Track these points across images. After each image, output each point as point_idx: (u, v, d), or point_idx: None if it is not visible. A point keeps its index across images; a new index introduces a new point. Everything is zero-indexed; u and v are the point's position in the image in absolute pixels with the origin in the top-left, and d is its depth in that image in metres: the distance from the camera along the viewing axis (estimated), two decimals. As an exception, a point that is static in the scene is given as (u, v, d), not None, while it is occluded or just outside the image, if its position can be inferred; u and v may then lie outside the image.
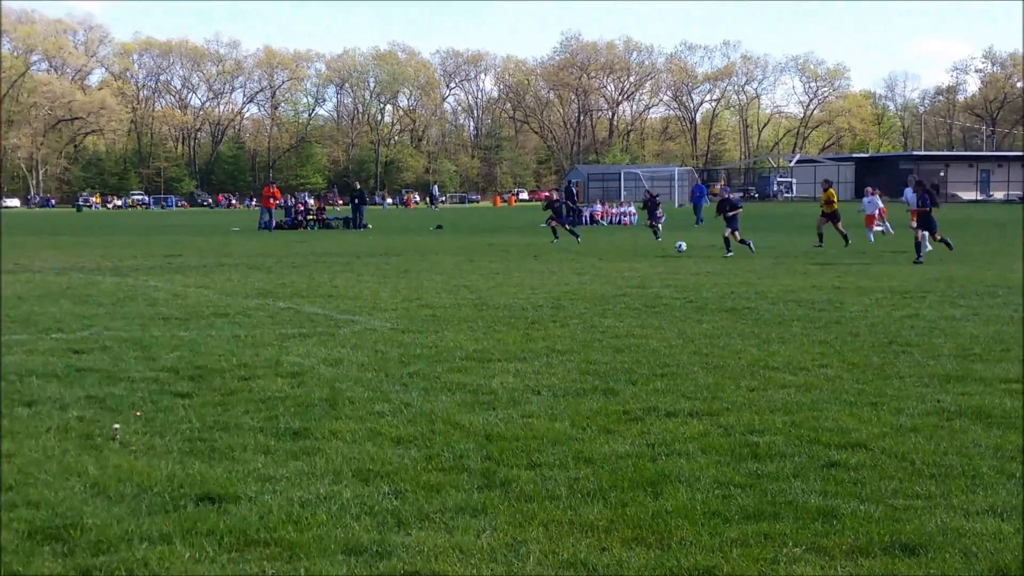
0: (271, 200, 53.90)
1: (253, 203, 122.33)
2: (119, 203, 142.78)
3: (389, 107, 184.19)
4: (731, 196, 32.14)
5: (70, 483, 6.33)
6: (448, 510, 5.87)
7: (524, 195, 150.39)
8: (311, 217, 58.16)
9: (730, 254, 27.86)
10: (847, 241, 32.12)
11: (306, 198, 78.14)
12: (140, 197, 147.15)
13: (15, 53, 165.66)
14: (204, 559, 5.12)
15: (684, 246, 30.04)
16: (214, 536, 5.42)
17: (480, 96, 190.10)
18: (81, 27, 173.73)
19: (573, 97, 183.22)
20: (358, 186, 60.58)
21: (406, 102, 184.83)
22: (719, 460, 6.94)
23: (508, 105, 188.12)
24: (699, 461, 6.91)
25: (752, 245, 28.85)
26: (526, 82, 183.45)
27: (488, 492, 6.21)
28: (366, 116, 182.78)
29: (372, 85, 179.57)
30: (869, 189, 39.80)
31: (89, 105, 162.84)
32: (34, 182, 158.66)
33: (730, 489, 6.28)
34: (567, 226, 38.13)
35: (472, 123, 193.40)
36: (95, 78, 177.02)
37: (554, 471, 6.66)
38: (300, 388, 9.40)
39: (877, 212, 37.32)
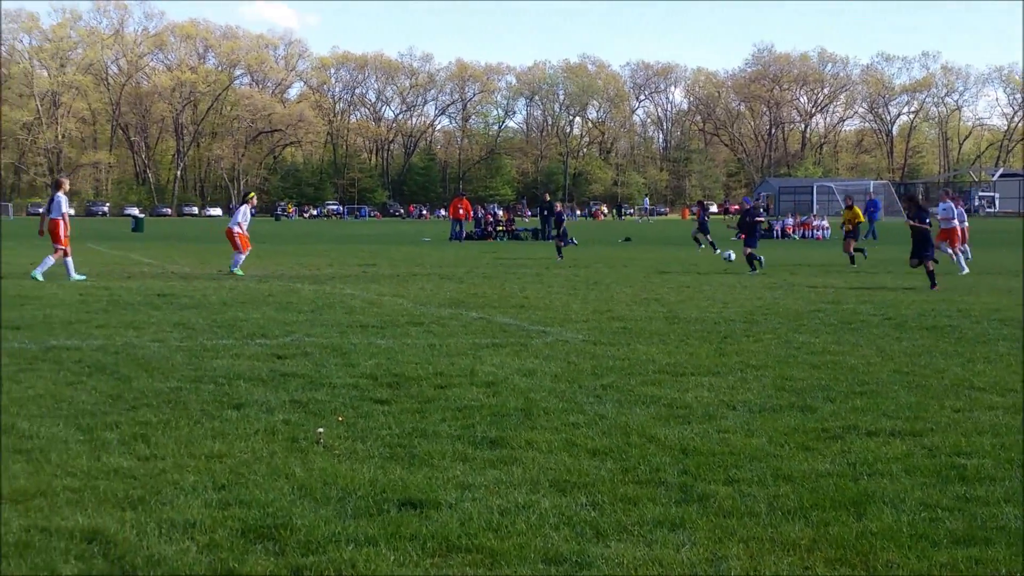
0: (460, 211, 54.68)
1: (443, 214, 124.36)
2: (315, 212, 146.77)
3: (578, 119, 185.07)
4: (752, 207, 30.68)
5: (279, 484, 6.54)
6: (646, 523, 5.86)
7: (714, 208, 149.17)
8: (500, 228, 58.82)
9: (754, 272, 26.99)
10: (852, 260, 30.81)
11: (495, 209, 79.01)
12: (335, 207, 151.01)
13: (219, 68, 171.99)
14: (408, 563, 5.22)
15: (732, 256, 29.15)
16: (417, 541, 5.53)
17: (670, 108, 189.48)
18: (281, 42, 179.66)
19: (765, 109, 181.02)
20: (547, 198, 60.96)
21: (595, 114, 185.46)
22: (924, 482, 6.75)
23: (698, 117, 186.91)
24: (903, 482, 6.73)
25: (762, 262, 27.78)
26: (716, 94, 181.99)
27: (686, 506, 6.18)
28: (555, 128, 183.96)
29: (562, 97, 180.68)
30: (946, 193, 34.13)
31: (288, 117, 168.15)
32: (235, 192, 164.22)
33: (937, 512, 6.10)
34: (560, 242, 35.62)
35: (661, 135, 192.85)
36: (294, 91, 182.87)
37: (752, 487, 6.59)
38: (495, 397, 9.51)
39: (961, 229, 29.86)
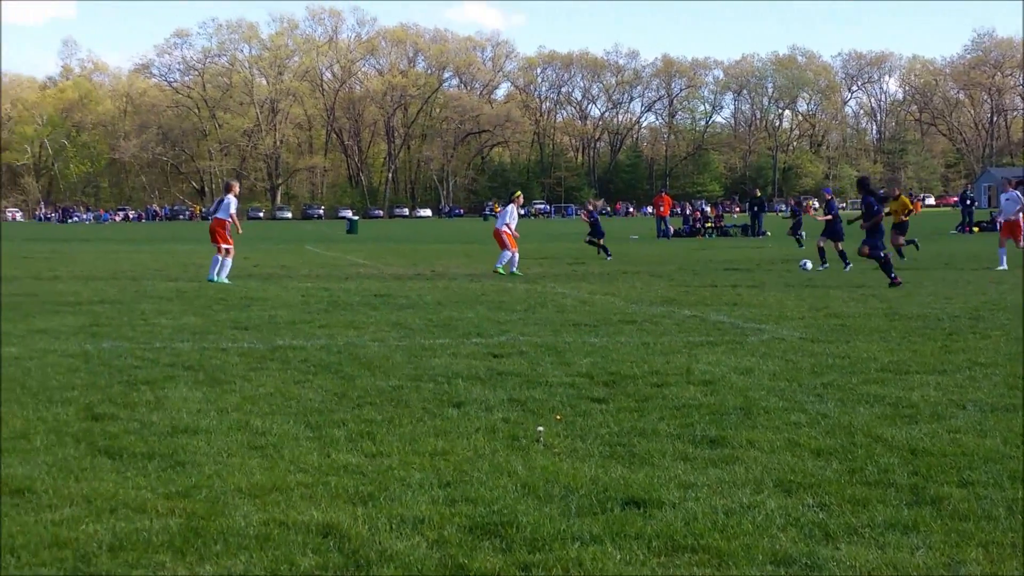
0: (660, 208, 54.34)
1: (649, 211, 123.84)
2: (522, 212, 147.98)
3: (788, 112, 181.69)
4: (831, 200, 29.49)
5: (502, 482, 6.62)
6: (877, 525, 5.71)
7: (931, 200, 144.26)
8: (709, 224, 58.25)
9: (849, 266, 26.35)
10: (901, 255, 29.05)
11: (703, 206, 78.29)
12: (542, 206, 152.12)
13: (429, 71, 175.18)
14: (634, 561, 5.22)
15: (809, 265, 27.46)
16: (642, 539, 5.51)
17: (883, 98, 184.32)
18: (489, 43, 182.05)
19: (985, 97, 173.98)
20: (758, 193, 60.09)
21: (805, 107, 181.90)
22: None
23: (914, 107, 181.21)
24: None
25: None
26: (933, 82, 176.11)
27: (918, 509, 5.99)
28: (764, 122, 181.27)
29: (770, 90, 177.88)
30: (1009, 182, 29.89)
31: (496, 118, 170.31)
32: (444, 192, 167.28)
33: None
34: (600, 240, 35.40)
35: (874, 126, 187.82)
36: (501, 92, 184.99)
37: (989, 490, 6.34)
38: (713, 396, 9.41)
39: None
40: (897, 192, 32.62)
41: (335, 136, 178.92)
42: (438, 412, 8.80)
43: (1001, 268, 25.78)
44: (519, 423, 8.35)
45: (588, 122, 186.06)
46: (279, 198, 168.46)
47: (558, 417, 8.56)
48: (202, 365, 11.28)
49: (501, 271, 25.93)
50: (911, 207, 32.12)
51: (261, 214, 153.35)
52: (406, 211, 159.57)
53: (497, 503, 6.14)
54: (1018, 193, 27.84)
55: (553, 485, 6.53)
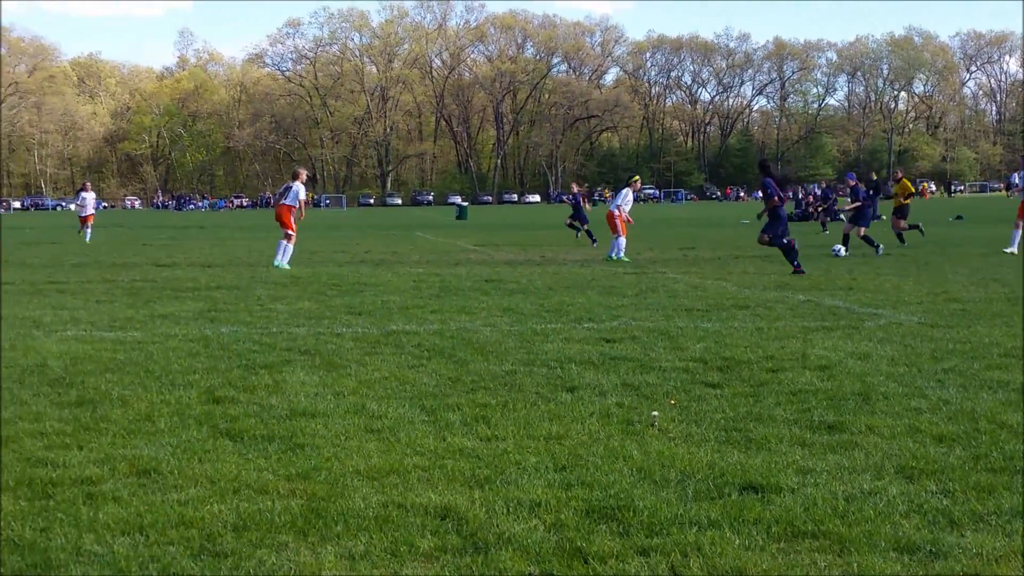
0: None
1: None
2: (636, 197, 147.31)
3: (903, 94, 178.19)
4: (855, 186, 29.06)
5: (617, 466, 6.61)
6: (1004, 513, 5.58)
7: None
8: (821, 208, 57.38)
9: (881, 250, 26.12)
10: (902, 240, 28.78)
11: (816, 190, 77.15)
12: (651, 191, 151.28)
13: (537, 56, 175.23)
14: (754, 547, 5.17)
15: (842, 251, 26.93)
16: (761, 525, 5.46)
17: (1004, 79, 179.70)
18: (598, 28, 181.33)
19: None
20: (874, 176, 59.00)
21: (922, 88, 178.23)
22: None
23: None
24: None
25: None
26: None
27: (1047, 497, 5.85)
28: (878, 104, 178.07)
29: (886, 72, 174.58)
30: None
31: (604, 103, 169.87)
32: (553, 178, 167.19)
33: None
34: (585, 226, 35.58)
35: (994, 107, 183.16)
36: (610, 76, 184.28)
37: (1119, 479, 6.17)
38: (830, 381, 9.28)
39: None
40: (899, 175, 32.26)
41: (444, 123, 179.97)
42: (552, 396, 8.81)
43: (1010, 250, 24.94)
44: (633, 408, 8.32)
45: (698, 106, 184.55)
46: (389, 185, 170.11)
47: (672, 402, 8.52)
48: (318, 350, 11.44)
49: (613, 258, 25.86)
50: (912, 190, 31.47)
51: (372, 201, 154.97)
52: (515, 197, 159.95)
53: (613, 487, 6.13)
54: None
55: (669, 470, 6.50)
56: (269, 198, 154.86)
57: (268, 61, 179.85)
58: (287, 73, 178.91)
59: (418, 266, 24.53)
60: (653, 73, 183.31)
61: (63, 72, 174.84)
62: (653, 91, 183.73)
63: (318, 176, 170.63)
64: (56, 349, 11.48)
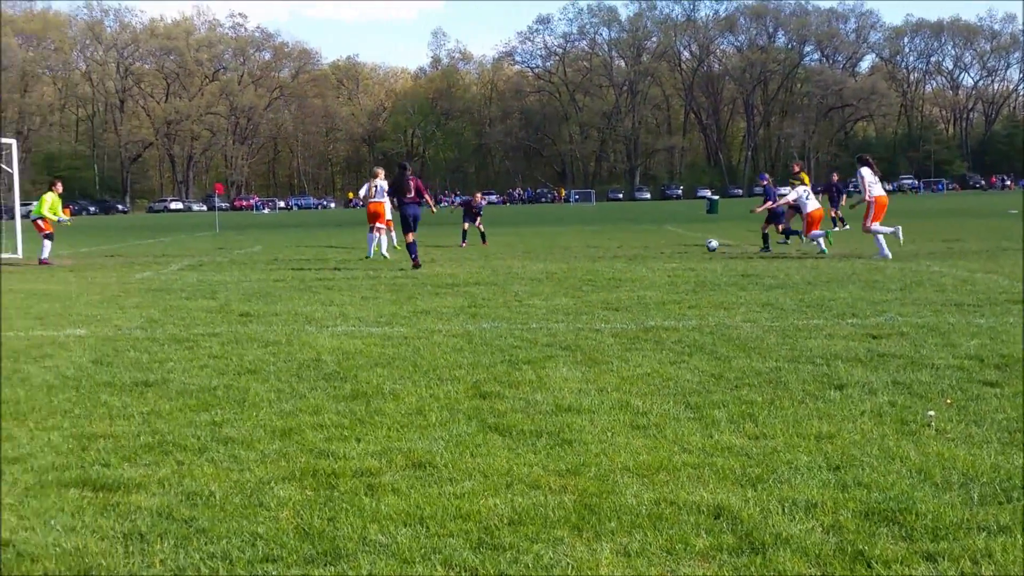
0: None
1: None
2: (889, 188, 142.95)
3: None
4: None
5: (894, 467, 6.41)
6: None
7: None
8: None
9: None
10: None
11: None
12: (909, 181, 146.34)
13: (789, 45, 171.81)
14: (1048, 556, 4.93)
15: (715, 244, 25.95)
16: (1054, 533, 5.20)
17: None
18: (852, 15, 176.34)
19: None
20: None
21: None
22: None
23: None
24: None
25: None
26: None
27: None
28: None
29: None
30: None
31: (859, 91, 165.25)
32: (805, 170, 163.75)
33: None
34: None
35: None
36: (865, 64, 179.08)
37: None
38: (1120, 381, 8.76)
39: None
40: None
41: (693, 115, 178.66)
42: (819, 394, 8.61)
43: None
44: (906, 407, 8.06)
45: (960, 92, 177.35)
46: (637, 179, 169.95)
47: (948, 401, 8.20)
48: (578, 345, 11.52)
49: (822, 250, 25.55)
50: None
51: (620, 195, 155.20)
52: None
53: (892, 489, 5.94)
54: None
55: (950, 472, 6.27)
56: (517, 195, 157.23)
57: (518, 58, 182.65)
58: (536, 70, 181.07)
59: (671, 261, 24.42)
60: (911, 59, 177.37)
61: (324, 75, 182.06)
62: (911, 77, 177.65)
63: (566, 171, 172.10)
64: (329, 344, 11.94)
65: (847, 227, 38.29)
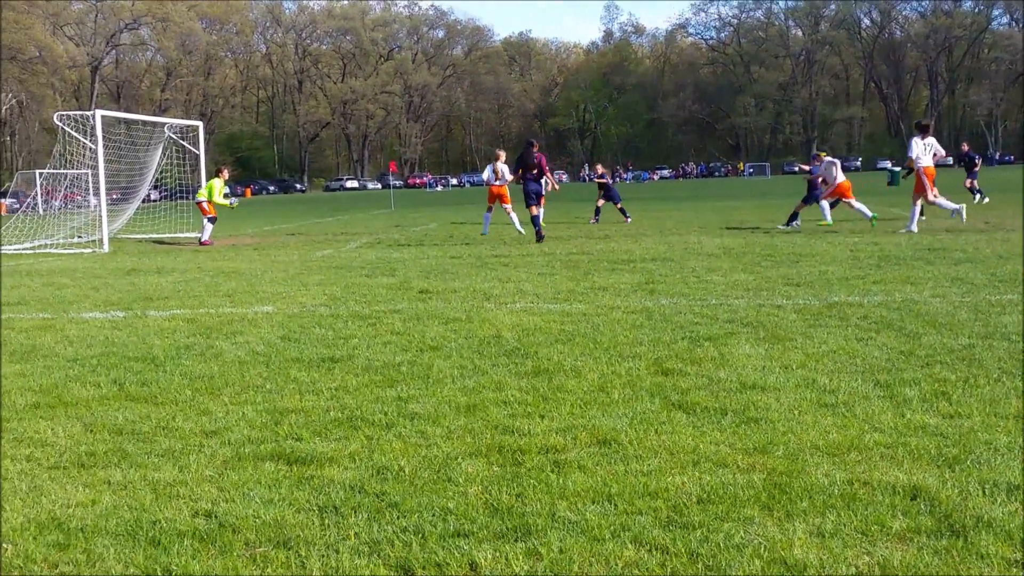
0: None
1: None
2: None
3: None
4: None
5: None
6: None
7: None
8: None
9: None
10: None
11: None
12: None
13: (976, 9, 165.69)
14: None
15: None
16: None
17: None
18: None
19: None
20: None
21: None
22: None
23: None
24: None
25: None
26: None
27: None
28: None
29: None
30: None
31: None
32: (992, 139, 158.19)
33: None
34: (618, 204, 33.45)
35: None
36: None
37: None
38: None
39: None
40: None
41: (873, 85, 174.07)
42: (1017, 373, 8.30)
43: None
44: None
45: None
46: (814, 151, 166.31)
47: None
48: (760, 322, 11.35)
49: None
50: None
51: (796, 168, 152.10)
52: (950, 160, 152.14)
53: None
54: None
55: None
56: (688, 169, 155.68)
57: (691, 30, 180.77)
58: (710, 41, 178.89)
59: (853, 235, 23.86)
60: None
61: (496, 52, 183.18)
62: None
63: (740, 144, 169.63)
64: (508, 321, 12.02)
65: (986, 199, 36.70)
